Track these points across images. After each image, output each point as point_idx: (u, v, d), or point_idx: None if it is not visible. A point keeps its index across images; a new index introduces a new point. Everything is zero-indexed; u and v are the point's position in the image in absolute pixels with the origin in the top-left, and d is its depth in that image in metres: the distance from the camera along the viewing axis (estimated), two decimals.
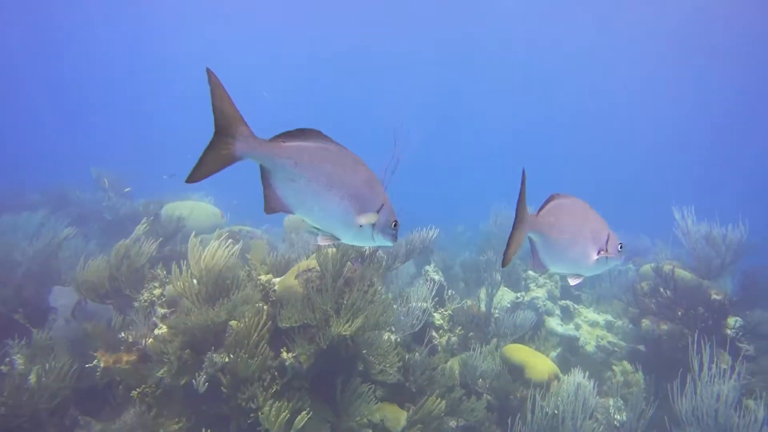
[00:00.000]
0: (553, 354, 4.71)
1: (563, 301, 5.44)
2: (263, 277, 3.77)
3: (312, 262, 3.42)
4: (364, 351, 3.47)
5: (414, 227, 4.26)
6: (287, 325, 3.22)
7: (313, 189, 1.21)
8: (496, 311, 4.79)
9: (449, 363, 4.22)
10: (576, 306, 5.49)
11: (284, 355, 3.19)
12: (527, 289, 5.51)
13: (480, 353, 4.02)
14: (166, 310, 3.30)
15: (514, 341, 4.49)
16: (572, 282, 1.74)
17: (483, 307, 4.78)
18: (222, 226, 5.23)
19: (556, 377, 4.02)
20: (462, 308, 4.64)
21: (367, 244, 1.38)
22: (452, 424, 3.68)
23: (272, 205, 1.24)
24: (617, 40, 21.45)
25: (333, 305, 3.27)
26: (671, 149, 32.61)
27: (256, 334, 2.91)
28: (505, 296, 5.23)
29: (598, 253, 1.61)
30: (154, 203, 5.31)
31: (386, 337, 3.97)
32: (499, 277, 4.90)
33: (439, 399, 3.44)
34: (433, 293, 4.77)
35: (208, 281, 3.03)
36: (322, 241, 1.34)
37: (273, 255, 4.00)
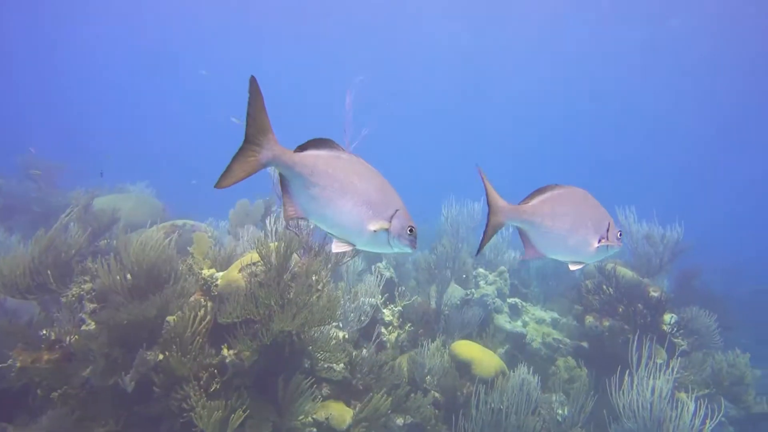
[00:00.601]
0: (501, 350, 4.76)
1: (512, 299, 5.53)
2: (206, 272, 3.60)
3: (257, 256, 3.29)
4: (310, 347, 3.38)
5: None
6: (228, 321, 3.08)
7: (327, 196, 1.25)
8: (446, 308, 4.80)
9: (398, 360, 4.18)
10: (524, 303, 5.58)
11: (225, 352, 3.05)
12: (477, 287, 5.55)
13: (428, 350, 4.00)
14: (95, 306, 3.08)
15: (463, 338, 4.51)
16: (572, 267, 1.76)
17: (433, 304, 4.78)
18: (165, 220, 4.98)
19: (503, 373, 4.06)
20: (412, 305, 4.62)
21: (384, 251, 1.39)
22: (399, 421, 3.64)
23: (290, 212, 1.31)
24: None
25: (278, 300, 3.16)
26: (612, 151, 34.18)
27: (191, 330, 2.76)
28: (456, 293, 5.25)
29: (599, 241, 1.64)
30: (87, 193, 4.98)
31: (333, 334, 3.88)
32: (450, 274, 4.91)
33: (385, 396, 3.39)
34: (384, 290, 4.73)
35: (140, 274, 2.85)
36: (336, 248, 1.36)
37: (217, 249, 3.83)
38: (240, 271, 3.32)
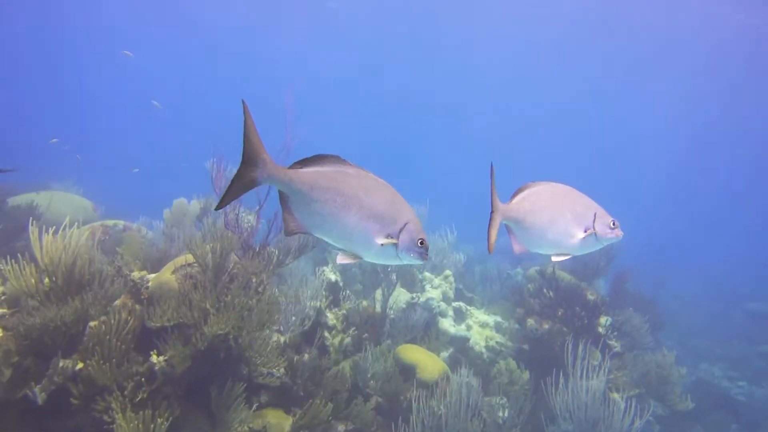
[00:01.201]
0: (445, 354, 4.77)
1: (456, 303, 5.57)
2: (136, 274, 3.38)
3: (192, 257, 3.12)
4: (248, 353, 3.23)
5: None
6: (159, 325, 2.90)
7: (329, 211, 1.25)
8: (392, 312, 4.76)
9: (341, 365, 4.09)
10: (468, 307, 5.64)
11: (154, 358, 2.86)
12: (423, 290, 5.56)
13: (372, 354, 3.93)
14: (5, 311, 2.80)
15: (408, 342, 4.48)
16: (555, 259, 1.77)
17: (378, 308, 4.73)
18: (93, 220, 4.64)
19: (446, 377, 4.06)
20: (357, 309, 4.54)
21: (393, 263, 1.40)
22: (340, 428, 3.55)
23: (291, 227, 1.31)
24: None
25: (214, 303, 3.00)
26: (557, 152, 35.53)
27: (116, 336, 2.56)
28: (401, 297, 5.23)
29: (585, 231, 1.67)
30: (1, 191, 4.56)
31: (275, 339, 3.74)
32: (396, 278, 4.88)
33: (326, 402, 3.30)
34: (329, 293, 4.62)
35: (58, 276, 2.62)
36: (341, 260, 1.36)
37: (150, 249, 3.61)
38: (173, 272, 3.14)
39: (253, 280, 3.32)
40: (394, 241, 1.30)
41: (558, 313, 4.91)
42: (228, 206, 3.57)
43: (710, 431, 5.98)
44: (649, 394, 4.67)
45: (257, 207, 3.76)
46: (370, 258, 1.36)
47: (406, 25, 21.30)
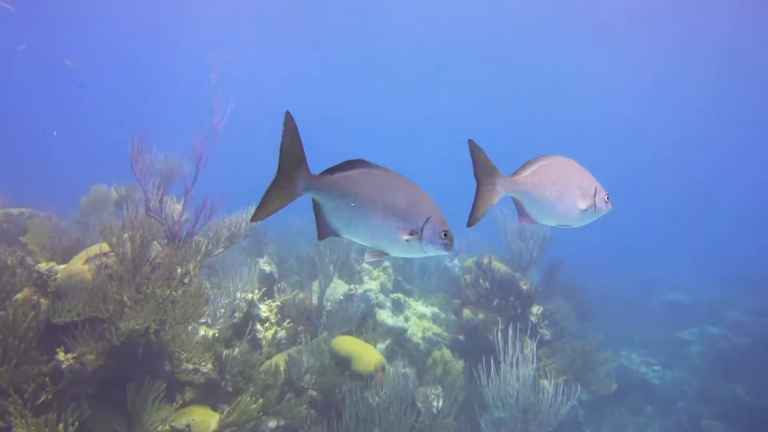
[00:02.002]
0: (382, 346, 4.74)
1: (395, 294, 5.56)
2: (43, 265, 3.07)
3: (107, 246, 2.86)
4: (171, 347, 3.03)
5: (239, 208, 3.89)
6: (67, 320, 2.64)
7: (358, 213, 1.30)
8: (329, 304, 4.66)
9: (274, 359, 3.95)
10: (406, 299, 5.65)
11: (61, 356, 2.61)
12: (361, 282, 5.50)
13: (307, 347, 3.82)
14: None
15: (344, 334, 4.40)
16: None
17: (315, 300, 4.61)
18: None
19: (383, 368, 4.02)
20: (293, 301, 4.41)
21: (418, 256, 1.43)
22: (271, 424, 3.42)
23: (324, 232, 1.36)
24: None
25: (132, 294, 2.78)
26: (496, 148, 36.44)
27: (12, 333, 2.30)
28: (339, 288, 5.14)
29: (586, 205, 1.73)
30: None
31: (202, 332, 3.55)
32: (333, 269, 4.78)
33: (255, 398, 3.16)
34: (263, 285, 4.45)
35: None
36: (369, 258, 1.41)
37: (60, 239, 3.29)
38: (86, 262, 2.87)
39: (178, 270, 3.11)
40: (417, 236, 1.34)
41: (493, 302, 5.01)
42: (151, 192, 3.32)
43: (628, 413, 6.38)
44: (575, 380, 4.89)
45: (185, 194, 3.53)
46: (396, 253, 1.40)
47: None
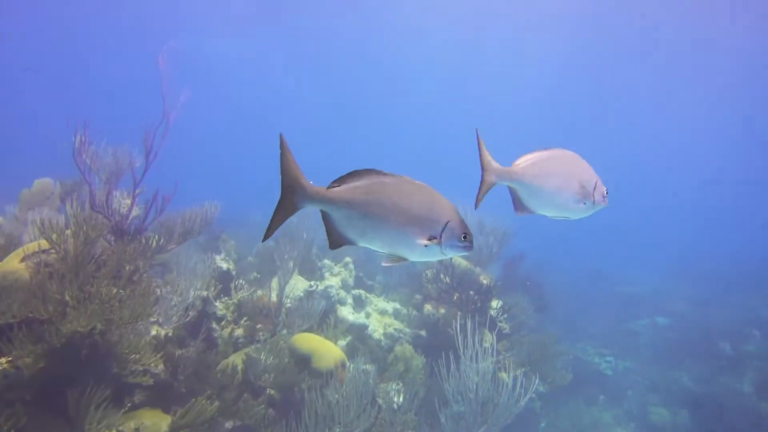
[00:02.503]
0: (343, 342, 4.70)
1: (356, 290, 5.51)
2: None
3: (45, 243, 2.69)
4: (118, 349, 2.88)
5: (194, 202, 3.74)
6: (1, 322, 2.47)
7: (369, 223, 1.32)
8: (288, 301, 4.57)
9: (231, 358, 3.83)
10: (368, 295, 5.62)
11: None
12: (322, 278, 5.42)
13: (265, 345, 3.73)
14: None
15: (305, 331, 4.33)
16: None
17: (274, 297, 4.51)
18: None
19: (343, 365, 3.98)
20: (250, 298, 4.29)
21: (437, 259, 1.44)
22: (228, 425, 3.32)
23: (336, 241, 1.38)
24: None
25: (75, 294, 2.62)
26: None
27: None
28: (299, 285, 5.05)
29: (585, 198, 1.74)
30: None
31: (153, 332, 3.40)
32: (293, 265, 4.69)
33: (210, 399, 3.05)
34: (220, 282, 4.31)
35: None
36: (386, 263, 1.41)
37: None
38: (22, 260, 2.69)
39: (126, 268, 2.96)
40: (436, 241, 1.34)
41: (454, 297, 5.05)
42: (96, 186, 3.15)
43: (583, 404, 6.59)
44: (533, 372, 4.99)
45: (136, 189, 3.37)
46: (415, 258, 1.41)
47: None
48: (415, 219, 1.33)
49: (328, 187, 1.32)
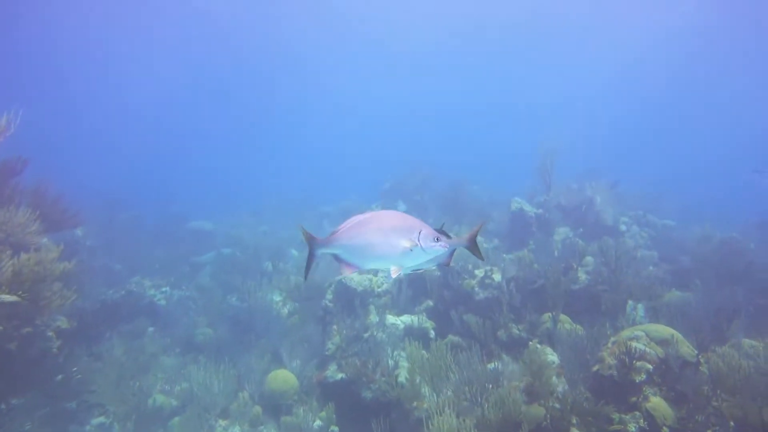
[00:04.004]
0: None
1: None
2: None
3: None
4: None
5: None
6: None
7: (364, 251, 2.02)
8: None
9: None
10: None
11: None
12: None
13: None
14: None
15: None
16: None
17: None
18: None
19: None
20: None
21: (424, 259, 2.03)
22: None
23: (347, 270, 2.09)
24: None
25: None
26: None
27: None
28: None
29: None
30: None
31: None
32: None
33: None
34: None
35: None
36: (394, 273, 2.02)
37: None
38: None
39: None
40: (416, 243, 1.95)
41: None
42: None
43: (127, 338, 6.21)
44: None
45: None
46: (408, 263, 2.04)
47: None
48: (395, 231, 1.97)
49: (329, 236, 2.04)
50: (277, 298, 7.07)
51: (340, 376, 5.20)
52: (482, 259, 2.14)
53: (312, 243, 2.08)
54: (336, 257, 2.09)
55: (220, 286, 7.86)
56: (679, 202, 10.97)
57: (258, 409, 5.12)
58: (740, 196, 14.54)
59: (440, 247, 1.96)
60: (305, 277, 2.18)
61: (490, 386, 4.18)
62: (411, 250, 1.98)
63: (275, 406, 5.18)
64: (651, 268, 5.99)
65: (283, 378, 5.35)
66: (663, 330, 4.20)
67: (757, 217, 9.08)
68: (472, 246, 1.99)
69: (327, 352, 5.61)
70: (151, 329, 6.68)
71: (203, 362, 5.53)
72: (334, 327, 5.77)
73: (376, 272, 6.00)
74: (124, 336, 6.28)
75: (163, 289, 7.42)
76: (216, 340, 6.47)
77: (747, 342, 4.43)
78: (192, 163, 30.30)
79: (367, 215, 2.10)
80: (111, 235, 9.07)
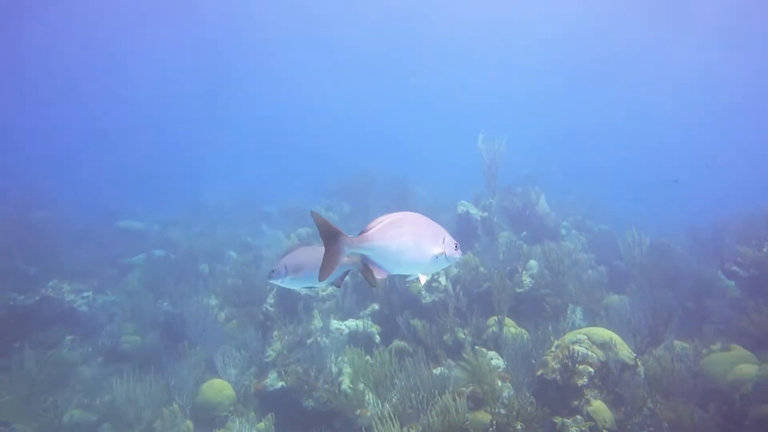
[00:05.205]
0: None
1: None
2: None
3: None
4: None
5: None
6: None
7: (398, 255, 1.86)
8: None
9: None
10: None
11: None
12: None
13: None
14: None
15: None
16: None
17: None
18: None
19: None
20: None
21: (444, 267, 2.03)
22: None
23: (378, 275, 1.89)
24: None
25: None
26: None
27: None
28: None
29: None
30: None
31: None
32: None
33: None
34: None
35: None
36: (423, 281, 1.98)
37: None
38: None
39: None
40: (443, 250, 1.91)
41: None
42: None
43: (41, 347, 5.61)
44: None
45: None
46: (432, 270, 2.00)
47: None
48: (426, 236, 1.90)
49: (359, 234, 1.80)
50: (213, 302, 6.67)
51: (280, 384, 4.96)
52: (374, 285, 2.08)
53: (339, 239, 1.76)
54: (365, 258, 1.86)
55: (151, 289, 7.29)
56: (612, 207, 11.51)
57: (189, 423, 4.75)
58: (670, 200, 15.51)
59: (459, 256, 1.99)
60: (321, 278, 1.83)
61: (437, 392, 4.08)
62: (437, 258, 1.92)
63: (209, 418, 4.83)
64: (590, 271, 6.16)
65: (218, 388, 5.01)
66: (603, 333, 4.28)
67: (686, 222, 9.64)
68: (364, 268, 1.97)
69: (267, 359, 5.34)
70: (69, 338, 6.08)
71: (128, 372, 5.08)
72: (275, 333, 5.50)
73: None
74: (38, 346, 5.66)
75: (85, 293, 6.79)
76: (144, 348, 5.99)
77: (678, 344, 4.62)
78: (122, 158, 28.51)
79: (398, 216, 1.95)
80: (23, 235, 8.25)
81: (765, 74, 23.54)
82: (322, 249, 2.03)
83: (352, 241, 1.79)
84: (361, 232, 1.84)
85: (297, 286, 2.55)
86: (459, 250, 1.96)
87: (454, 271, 5.74)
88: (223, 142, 36.86)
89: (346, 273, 2.23)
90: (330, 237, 1.76)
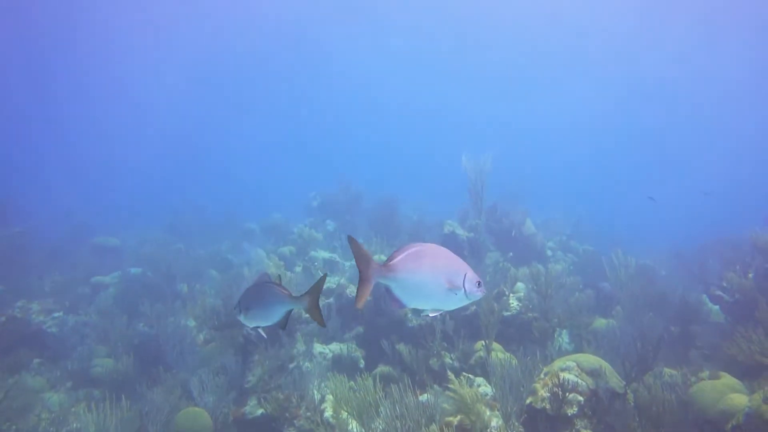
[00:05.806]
0: None
1: None
2: None
3: None
4: None
5: None
6: None
7: (417, 289, 1.83)
8: None
9: None
10: None
11: None
12: None
13: None
14: None
15: None
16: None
17: None
18: None
19: None
20: None
21: (464, 304, 1.93)
22: None
23: (395, 306, 1.87)
24: None
25: None
26: None
27: None
28: None
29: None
30: None
31: None
32: None
33: None
34: None
35: None
36: (432, 314, 1.95)
37: None
38: None
39: None
40: (461, 287, 1.84)
41: None
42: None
43: (5, 372, 5.30)
44: None
45: None
46: (449, 307, 1.95)
47: None
48: (444, 271, 1.82)
49: (386, 263, 1.80)
50: (191, 323, 6.42)
51: (260, 411, 4.74)
52: (323, 325, 2.17)
53: (371, 266, 1.79)
54: (387, 289, 1.85)
55: (126, 310, 7.00)
56: (595, 228, 11.58)
57: None
58: (654, 222, 15.65)
59: (481, 294, 1.89)
60: (357, 306, 1.84)
61: (423, 421, 3.93)
62: (455, 294, 1.88)
63: None
64: (577, 294, 6.11)
65: (194, 416, 4.78)
66: (593, 360, 4.20)
67: (671, 244, 9.70)
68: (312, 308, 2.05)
69: (247, 385, 5.12)
70: (37, 361, 5.77)
71: (99, 398, 4.81)
72: (256, 357, 5.30)
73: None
74: (2, 370, 5.36)
75: (56, 314, 6.49)
76: (117, 372, 5.70)
77: (667, 371, 4.56)
78: (98, 171, 27.86)
79: (421, 247, 1.92)
80: None
81: None
82: (269, 287, 2.21)
83: (381, 270, 1.81)
84: (387, 261, 1.85)
85: (250, 325, 2.42)
86: (482, 288, 1.88)
87: None
88: (207, 156, 36.47)
89: (290, 313, 2.21)
90: (364, 264, 1.79)
